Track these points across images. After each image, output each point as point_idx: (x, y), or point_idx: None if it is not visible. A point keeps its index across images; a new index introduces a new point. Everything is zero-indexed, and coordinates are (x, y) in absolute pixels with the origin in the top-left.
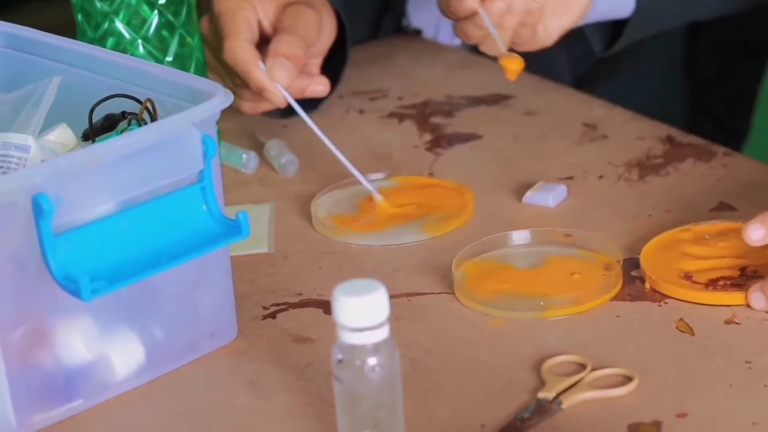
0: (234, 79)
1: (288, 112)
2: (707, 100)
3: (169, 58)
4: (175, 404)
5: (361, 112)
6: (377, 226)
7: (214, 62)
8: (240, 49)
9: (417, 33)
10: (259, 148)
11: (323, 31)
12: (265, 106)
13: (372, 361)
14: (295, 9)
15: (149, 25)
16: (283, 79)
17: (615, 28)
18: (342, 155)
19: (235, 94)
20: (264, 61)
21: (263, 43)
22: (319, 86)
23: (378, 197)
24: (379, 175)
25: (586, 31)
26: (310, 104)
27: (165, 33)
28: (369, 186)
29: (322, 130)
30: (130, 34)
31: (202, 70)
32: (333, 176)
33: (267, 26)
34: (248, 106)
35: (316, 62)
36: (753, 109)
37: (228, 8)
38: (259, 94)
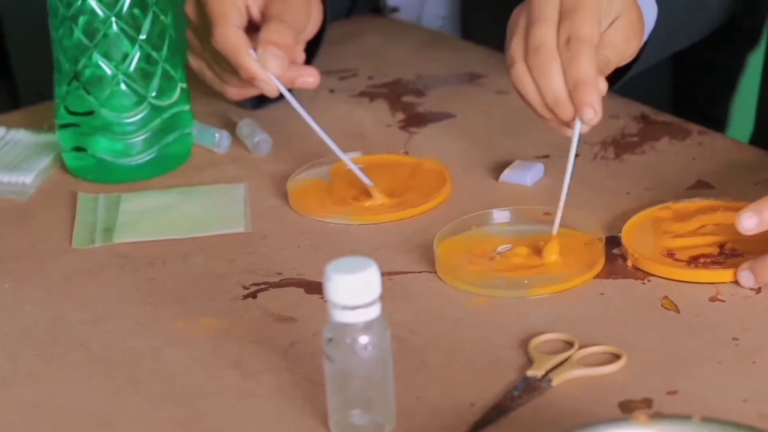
0: (221, 65)
1: (258, 103)
2: (691, 88)
3: (142, 36)
4: (159, 385)
5: (332, 91)
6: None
7: (200, 48)
8: (231, 36)
9: (394, 11)
10: (231, 127)
11: (311, 17)
12: (252, 92)
13: (363, 339)
14: None
15: (122, 2)
16: (275, 68)
17: None
18: (334, 144)
19: (222, 80)
20: (254, 49)
21: (250, 30)
22: (310, 78)
23: (370, 183)
24: (355, 154)
25: None
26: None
27: (137, 11)
28: (364, 178)
29: (314, 118)
30: (103, 11)
31: (176, 49)
32: (307, 155)
33: (255, 12)
34: (235, 92)
35: (300, 48)
36: (732, 99)
37: None
38: (248, 82)
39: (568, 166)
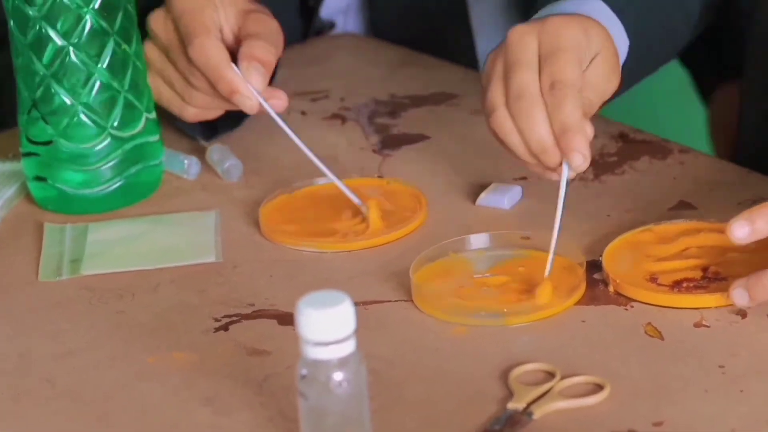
0: (190, 80)
1: (210, 134)
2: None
3: (102, 66)
4: (131, 422)
5: (303, 113)
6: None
7: (161, 64)
8: (211, 47)
9: (331, 26)
10: (200, 153)
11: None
12: (212, 114)
13: (338, 376)
14: (259, 17)
15: (81, 30)
16: (258, 83)
17: None
18: (324, 166)
19: (184, 98)
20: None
21: None
22: (279, 101)
23: (364, 210)
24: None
25: None
26: (234, 121)
27: (97, 40)
28: (356, 200)
29: (299, 135)
30: (61, 40)
31: (142, 76)
32: (278, 181)
33: (227, 32)
34: (194, 113)
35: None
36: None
37: (192, 7)
38: (227, 97)
39: (557, 212)
